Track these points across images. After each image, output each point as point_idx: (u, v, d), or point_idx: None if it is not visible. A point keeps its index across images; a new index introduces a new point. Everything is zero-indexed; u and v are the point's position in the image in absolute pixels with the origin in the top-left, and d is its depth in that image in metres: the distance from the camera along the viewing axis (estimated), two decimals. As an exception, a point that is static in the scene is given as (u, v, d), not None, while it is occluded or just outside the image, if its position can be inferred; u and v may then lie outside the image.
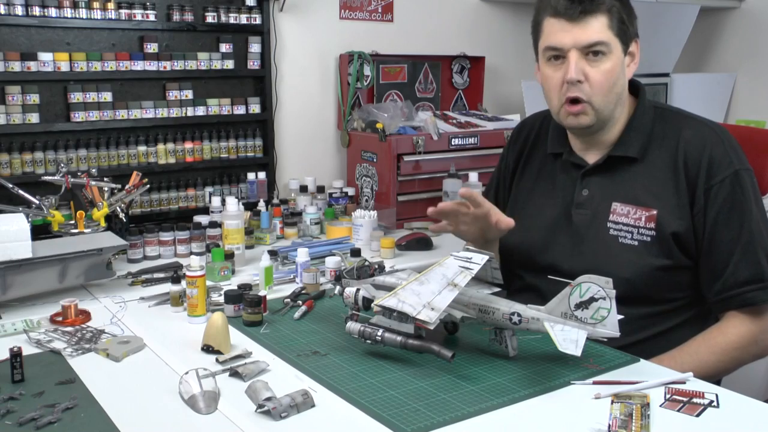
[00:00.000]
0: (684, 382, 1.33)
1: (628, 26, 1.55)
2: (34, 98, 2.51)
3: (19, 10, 2.45)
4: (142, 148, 2.73)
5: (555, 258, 1.65)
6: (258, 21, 2.90)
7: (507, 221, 1.60)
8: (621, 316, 1.30)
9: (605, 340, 1.32)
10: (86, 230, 2.16)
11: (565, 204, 1.67)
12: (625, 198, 1.59)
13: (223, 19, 2.83)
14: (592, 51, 1.53)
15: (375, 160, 2.89)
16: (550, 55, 1.57)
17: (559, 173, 1.71)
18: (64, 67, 2.53)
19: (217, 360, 1.44)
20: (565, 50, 1.54)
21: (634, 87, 1.67)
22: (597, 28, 1.52)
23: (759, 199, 1.56)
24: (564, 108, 1.58)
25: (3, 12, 2.43)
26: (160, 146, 2.76)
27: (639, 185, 1.59)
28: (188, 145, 2.81)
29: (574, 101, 1.56)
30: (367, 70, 3.11)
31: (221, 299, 1.75)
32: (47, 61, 2.50)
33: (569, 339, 1.29)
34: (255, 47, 2.92)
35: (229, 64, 2.85)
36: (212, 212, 2.55)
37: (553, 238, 1.67)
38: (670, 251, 1.54)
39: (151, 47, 2.70)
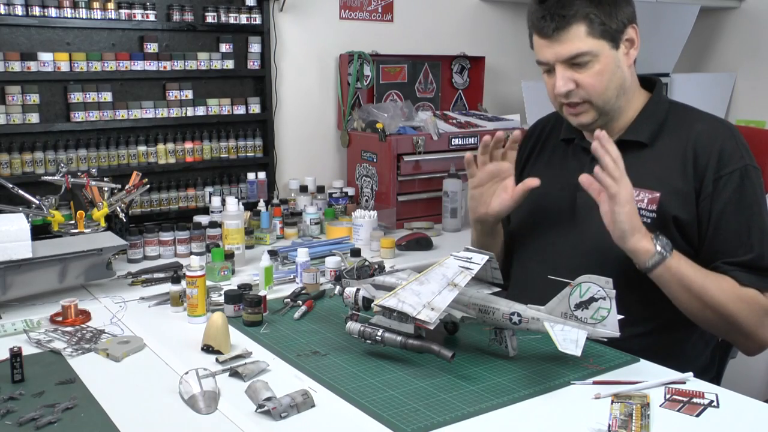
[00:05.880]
0: (684, 382, 1.34)
1: (611, 24, 1.53)
2: (34, 98, 2.51)
3: (19, 10, 2.45)
4: (142, 148, 2.73)
5: (556, 237, 1.67)
6: (258, 21, 2.90)
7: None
8: (621, 316, 1.30)
9: (605, 340, 1.32)
10: (86, 230, 2.16)
11: (570, 187, 1.67)
12: (630, 181, 1.59)
13: (223, 19, 2.82)
14: (575, 62, 1.54)
15: (375, 160, 2.89)
16: (543, 68, 1.61)
17: (570, 159, 1.73)
18: (64, 67, 2.53)
19: (217, 360, 1.44)
20: (551, 64, 1.57)
21: (651, 82, 1.69)
22: (575, 39, 1.52)
23: (764, 197, 1.56)
24: (564, 108, 1.63)
25: (3, 12, 2.43)
26: (160, 146, 2.76)
27: (646, 169, 1.60)
28: (188, 145, 2.81)
29: (572, 104, 1.59)
30: (367, 70, 3.11)
31: (221, 299, 1.75)
32: (47, 61, 2.50)
33: (569, 339, 1.29)
34: (255, 47, 2.91)
35: (229, 64, 2.85)
36: (212, 212, 2.56)
37: (556, 218, 1.69)
38: (670, 235, 1.54)
39: (151, 47, 2.70)
